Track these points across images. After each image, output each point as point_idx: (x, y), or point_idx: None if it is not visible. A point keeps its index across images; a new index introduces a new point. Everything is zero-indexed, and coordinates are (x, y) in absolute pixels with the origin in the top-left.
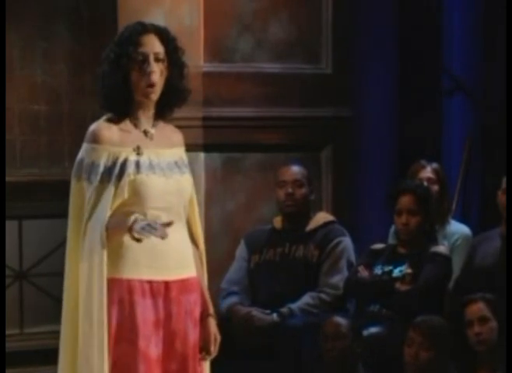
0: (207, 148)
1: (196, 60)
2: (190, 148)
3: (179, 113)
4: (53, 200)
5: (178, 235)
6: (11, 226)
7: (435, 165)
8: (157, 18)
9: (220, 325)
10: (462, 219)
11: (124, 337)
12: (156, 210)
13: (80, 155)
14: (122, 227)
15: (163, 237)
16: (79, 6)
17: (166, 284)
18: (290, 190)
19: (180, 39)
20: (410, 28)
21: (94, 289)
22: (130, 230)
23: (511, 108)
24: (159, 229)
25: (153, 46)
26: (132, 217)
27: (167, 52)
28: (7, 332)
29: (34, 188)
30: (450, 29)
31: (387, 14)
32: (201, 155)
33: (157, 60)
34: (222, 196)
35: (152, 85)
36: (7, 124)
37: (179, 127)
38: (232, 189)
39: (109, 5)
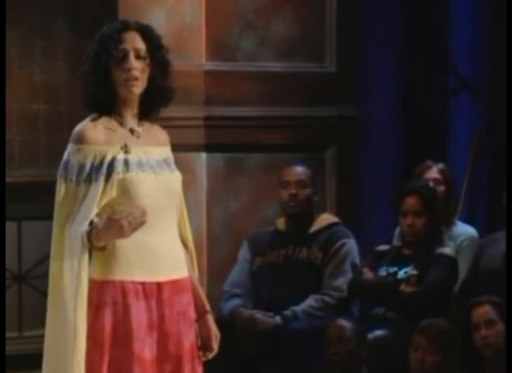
0: (209, 148)
1: (198, 58)
2: (192, 147)
3: (181, 112)
4: (52, 202)
5: (170, 235)
6: (10, 228)
7: (441, 165)
8: (158, 16)
9: (223, 328)
10: (468, 220)
11: (118, 340)
12: (147, 210)
13: (66, 156)
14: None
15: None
16: (79, 4)
17: (159, 285)
18: (294, 191)
19: (181, 37)
20: (416, 26)
21: (74, 292)
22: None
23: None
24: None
25: (134, 42)
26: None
27: (149, 49)
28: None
29: (33, 189)
30: (456, 27)
31: (393, 12)
32: (203, 155)
33: (138, 56)
34: (224, 197)
35: (132, 79)
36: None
37: (181, 127)
38: (234, 190)
39: (109, 3)
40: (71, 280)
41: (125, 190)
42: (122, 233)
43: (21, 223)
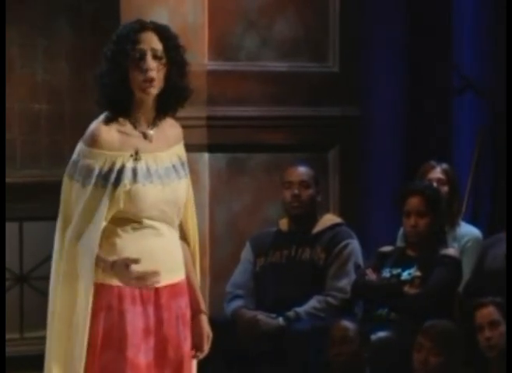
0: (211, 148)
1: (200, 58)
2: (194, 148)
3: (183, 112)
4: (54, 202)
5: (170, 240)
6: (11, 228)
7: (445, 165)
8: (160, 15)
9: (225, 329)
10: (472, 221)
11: (111, 345)
12: (151, 220)
13: (76, 155)
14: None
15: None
16: (81, 3)
17: (156, 290)
18: (296, 191)
19: (184, 37)
20: (419, 26)
21: (78, 310)
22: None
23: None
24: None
25: (151, 42)
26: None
27: (166, 49)
28: (7, 336)
29: (35, 189)
30: (460, 27)
31: (396, 12)
32: (206, 156)
33: (155, 57)
34: (226, 198)
35: (149, 80)
36: (7, 124)
37: (183, 127)
38: (237, 191)
39: (111, 3)
40: (73, 291)
41: (131, 201)
42: (126, 283)
43: (22, 223)
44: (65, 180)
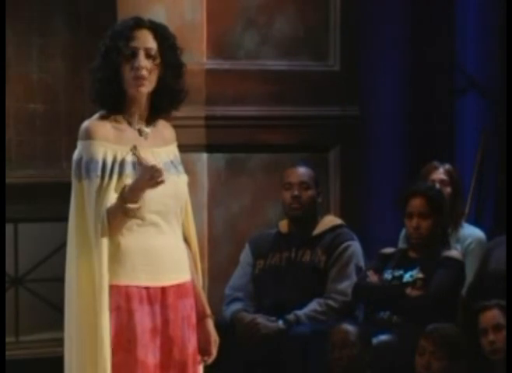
0: (210, 148)
1: (199, 57)
2: (192, 148)
3: (181, 112)
4: (50, 203)
5: (175, 239)
6: (6, 230)
7: (448, 166)
8: (158, 13)
9: (224, 332)
10: (476, 222)
11: (121, 346)
12: (155, 214)
13: (77, 153)
14: (118, 204)
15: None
16: (77, 1)
17: (163, 289)
18: (296, 193)
19: (181, 35)
20: (422, 25)
21: (96, 292)
22: (124, 199)
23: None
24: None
25: (145, 41)
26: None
27: (161, 49)
28: None
29: (30, 190)
30: (463, 27)
31: (399, 10)
32: (204, 156)
33: (148, 56)
34: (225, 199)
35: (140, 78)
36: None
37: (181, 127)
38: (236, 191)
39: (108, 1)
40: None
41: None
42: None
43: (18, 225)
44: (74, 184)
